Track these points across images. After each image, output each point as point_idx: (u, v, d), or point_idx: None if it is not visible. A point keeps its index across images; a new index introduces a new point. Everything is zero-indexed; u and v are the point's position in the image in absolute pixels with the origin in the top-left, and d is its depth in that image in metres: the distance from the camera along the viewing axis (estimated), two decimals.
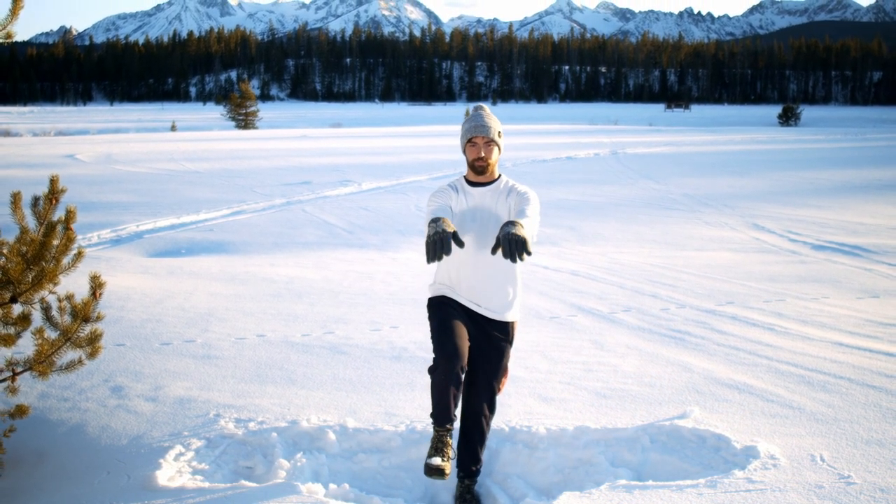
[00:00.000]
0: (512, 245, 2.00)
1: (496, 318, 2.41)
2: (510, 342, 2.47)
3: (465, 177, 2.46)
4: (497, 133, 2.38)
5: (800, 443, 2.67)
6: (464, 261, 2.37)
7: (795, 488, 2.33)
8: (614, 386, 3.27)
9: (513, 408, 3.02)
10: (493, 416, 2.51)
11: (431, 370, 2.31)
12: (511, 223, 2.09)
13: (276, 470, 2.57)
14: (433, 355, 2.32)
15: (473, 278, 2.38)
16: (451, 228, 2.08)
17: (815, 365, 3.51)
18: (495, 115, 2.47)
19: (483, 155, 2.36)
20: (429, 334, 2.50)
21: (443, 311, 2.40)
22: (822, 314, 4.42)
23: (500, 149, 2.42)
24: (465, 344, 2.31)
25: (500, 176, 2.44)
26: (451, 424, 2.40)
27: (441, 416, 2.34)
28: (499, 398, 2.59)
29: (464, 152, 2.42)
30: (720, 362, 3.58)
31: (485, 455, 2.70)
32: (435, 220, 2.11)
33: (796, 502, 2.25)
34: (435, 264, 2.35)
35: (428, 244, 2.04)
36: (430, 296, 2.48)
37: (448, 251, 2.02)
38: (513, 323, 2.47)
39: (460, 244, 2.08)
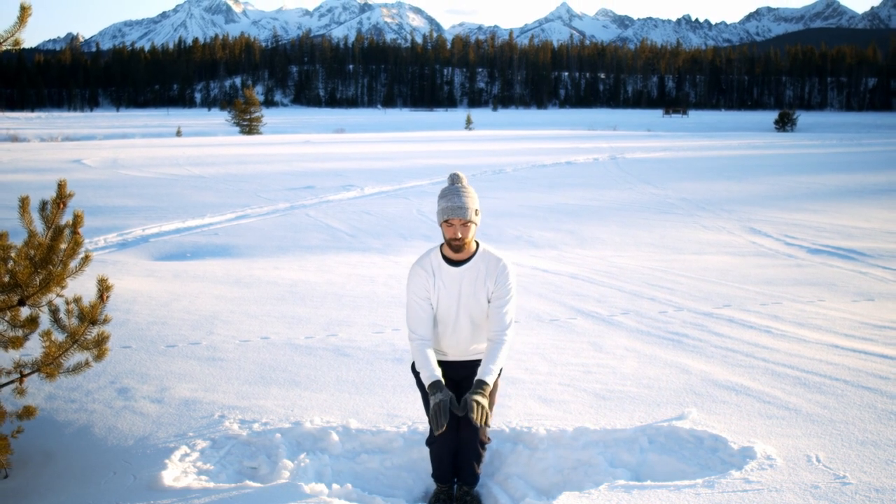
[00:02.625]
0: (480, 414, 2.24)
1: (479, 358, 2.51)
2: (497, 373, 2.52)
3: (441, 251, 2.44)
4: (474, 212, 2.35)
5: (796, 443, 2.70)
6: (444, 331, 2.45)
7: (792, 488, 2.36)
8: (613, 387, 3.30)
9: (513, 409, 3.05)
10: (489, 438, 2.58)
11: (428, 443, 2.53)
12: (480, 386, 2.29)
13: (280, 470, 2.60)
14: (428, 427, 2.56)
15: (453, 343, 2.47)
16: (447, 397, 2.29)
17: (811, 367, 3.55)
18: (472, 188, 2.40)
19: (460, 235, 2.34)
20: None
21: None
22: (817, 317, 4.46)
23: (477, 224, 2.39)
24: (451, 416, 2.46)
25: (476, 248, 2.43)
26: (452, 482, 2.56)
27: (442, 476, 2.56)
28: (495, 409, 2.65)
29: (440, 225, 2.40)
30: (717, 364, 3.62)
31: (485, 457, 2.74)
32: (433, 389, 2.31)
33: (792, 502, 2.28)
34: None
35: (430, 417, 2.28)
36: (413, 358, 2.50)
37: (447, 418, 2.28)
38: None
39: (460, 410, 2.29)
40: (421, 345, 2.41)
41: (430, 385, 2.33)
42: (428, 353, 2.40)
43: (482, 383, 2.30)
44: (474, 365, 2.50)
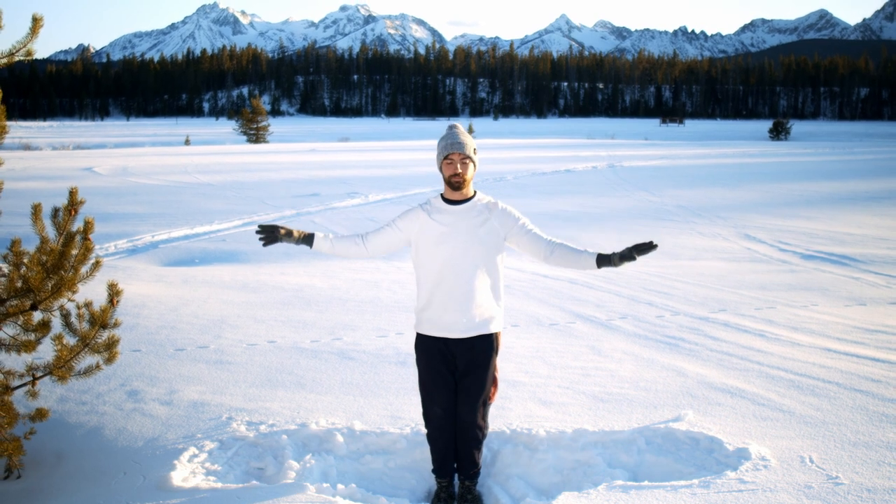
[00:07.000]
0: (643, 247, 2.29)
1: (478, 334, 2.45)
2: (495, 351, 2.52)
3: (441, 194, 2.50)
4: (472, 150, 2.43)
5: (790, 445, 2.75)
6: (441, 280, 2.43)
7: (785, 489, 2.41)
8: (611, 390, 3.36)
9: (513, 411, 3.11)
10: (487, 424, 2.60)
11: (425, 415, 2.57)
12: (608, 258, 2.35)
13: (286, 471, 2.64)
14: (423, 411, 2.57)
15: (450, 297, 2.41)
16: (274, 233, 2.45)
17: (805, 370, 3.61)
18: (469, 135, 2.53)
19: (459, 171, 2.40)
20: None
21: (425, 364, 2.51)
22: (811, 321, 4.52)
23: (475, 165, 2.46)
24: (448, 400, 2.50)
25: (475, 193, 2.50)
26: (452, 476, 2.58)
27: (441, 469, 2.58)
28: (495, 404, 2.69)
29: (440, 170, 2.46)
30: (713, 367, 3.68)
31: (486, 456, 2.80)
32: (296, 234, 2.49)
33: (786, 502, 2.32)
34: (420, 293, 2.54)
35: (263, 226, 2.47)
36: (415, 330, 2.56)
37: (265, 232, 2.45)
38: (496, 333, 2.51)
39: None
40: (354, 236, 2.55)
41: (301, 234, 2.48)
42: (348, 236, 2.55)
43: (605, 255, 2.35)
44: (475, 344, 2.45)
